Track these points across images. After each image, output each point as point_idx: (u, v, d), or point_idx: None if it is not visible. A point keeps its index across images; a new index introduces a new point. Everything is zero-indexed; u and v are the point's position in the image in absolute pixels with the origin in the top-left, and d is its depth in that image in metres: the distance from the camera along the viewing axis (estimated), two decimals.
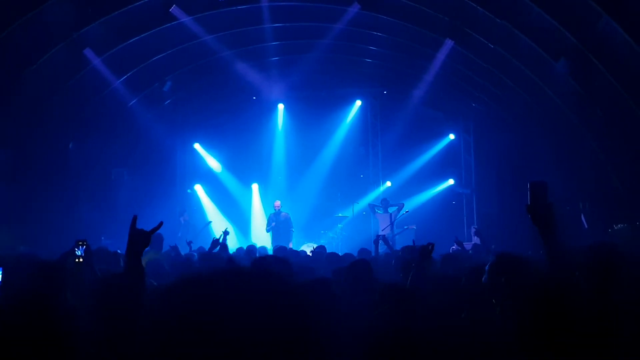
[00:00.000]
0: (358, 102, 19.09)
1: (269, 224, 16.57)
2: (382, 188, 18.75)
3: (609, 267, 3.66)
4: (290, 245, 14.57)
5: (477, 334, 3.55)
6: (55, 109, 13.08)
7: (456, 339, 3.64)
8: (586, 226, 12.76)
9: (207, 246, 11.17)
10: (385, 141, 18.85)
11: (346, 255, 8.64)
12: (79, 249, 4.68)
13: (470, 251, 10.95)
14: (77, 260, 4.64)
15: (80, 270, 4.59)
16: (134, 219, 3.25)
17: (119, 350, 3.14)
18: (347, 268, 5.11)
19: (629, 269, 3.86)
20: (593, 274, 3.65)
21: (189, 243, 10.08)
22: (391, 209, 16.29)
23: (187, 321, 1.19)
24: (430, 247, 5.30)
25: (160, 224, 3.29)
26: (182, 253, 9.13)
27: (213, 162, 19.29)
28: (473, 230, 17.11)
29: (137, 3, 12.40)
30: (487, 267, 3.92)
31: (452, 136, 18.74)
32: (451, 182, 18.54)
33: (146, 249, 3.30)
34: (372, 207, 16.90)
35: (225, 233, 9.87)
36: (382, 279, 5.23)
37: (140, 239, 3.20)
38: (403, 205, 16.29)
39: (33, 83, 11.90)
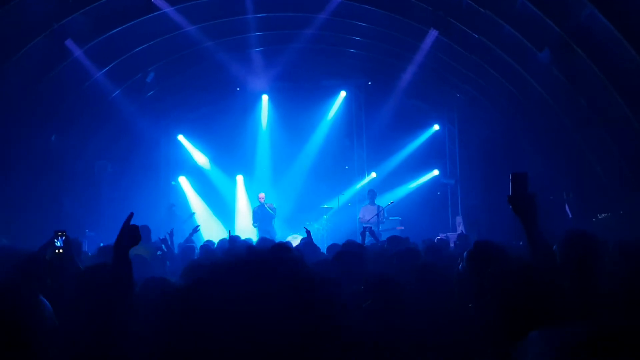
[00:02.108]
0: (343, 93, 19.05)
1: (254, 218, 16.50)
2: (367, 179, 18.76)
3: (584, 255, 3.68)
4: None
5: (459, 323, 3.55)
6: (37, 101, 12.92)
7: (440, 329, 3.64)
8: (570, 216, 12.84)
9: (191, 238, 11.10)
10: (370, 132, 18.84)
11: (333, 245, 8.64)
12: (58, 240, 4.60)
13: (456, 241, 11.00)
14: (56, 251, 4.57)
15: (60, 262, 4.52)
16: (131, 215, 3.22)
17: (104, 341, 3.10)
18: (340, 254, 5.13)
19: (609, 256, 3.88)
20: (568, 262, 3.66)
21: (169, 234, 10.02)
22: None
23: (219, 311, 1.17)
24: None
25: (131, 215, 3.25)
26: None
27: (199, 156, 19.19)
28: (458, 220, 17.21)
29: None
30: (464, 255, 3.92)
31: (436, 127, 18.78)
32: (436, 172, 18.60)
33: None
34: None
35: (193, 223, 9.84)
36: (369, 269, 5.23)
37: (132, 235, 3.18)
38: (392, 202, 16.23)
39: (13, 75, 11.73)
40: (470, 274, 3.69)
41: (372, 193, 16.52)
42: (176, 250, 9.21)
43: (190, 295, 1.25)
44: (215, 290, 1.22)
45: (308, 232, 9.56)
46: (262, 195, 16.62)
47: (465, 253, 3.88)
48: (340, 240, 10.05)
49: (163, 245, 8.41)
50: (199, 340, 1.18)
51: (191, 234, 10.03)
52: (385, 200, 16.39)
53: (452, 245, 10.81)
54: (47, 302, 3.08)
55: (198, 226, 10.15)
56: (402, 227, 15.99)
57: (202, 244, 10.47)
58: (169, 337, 1.25)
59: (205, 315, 1.19)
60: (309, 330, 1.20)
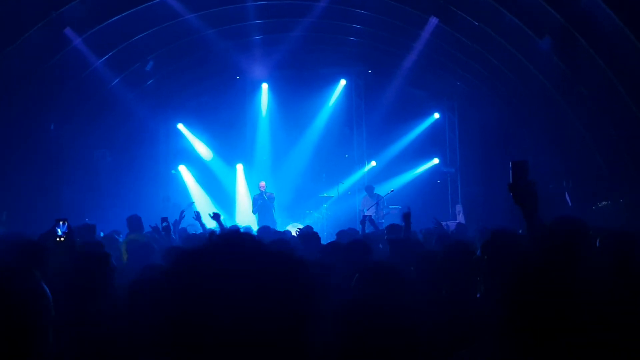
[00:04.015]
0: (342, 82, 19.00)
1: (254, 206, 16.52)
2: (367, 168, 18.75)
3: (568, 241, 3.68)
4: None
5: (459, 310, 3.55)
6: (36, 89, 12.88)
7: (438, 316, 3.64)
8: (570, 203, 12.84)
9: (189, 227, 11.11)
10: (370, 121, 18.81)
11: (341, 232, 8.69)
12: (59, 227, 4.59)
13: (453, 230, 10.99)
14: (57, 239, 4.56)
15: (61, 250, 4.51)
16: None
17: (102, 328, 3.10)
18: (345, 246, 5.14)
19: (601, 243, 3.88)
20: (557, 249, 3.67)
21: (173, 224, 9.98)
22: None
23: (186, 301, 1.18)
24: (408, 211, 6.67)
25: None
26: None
27: (199, 146, 19.16)
28: (458, 209, 17.22)
29: None
30: (482, 243, 3.92)
31: (436, 115, 18.75)
32: (436, 161, 18.60)
33: (126, 231, 3.27)
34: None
35: (217, 217, 9.78)
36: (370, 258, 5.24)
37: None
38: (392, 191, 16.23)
39: (12, 63, 11.69)
40: (482, 263, 3.69)
41: (369, 188, 16.60)
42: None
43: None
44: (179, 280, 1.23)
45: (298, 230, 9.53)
46: (262, 183, 16.63)
47: (480, 242, 3.89)
48: (341, 229, 10.05)
49: (162, 232, 8.37)
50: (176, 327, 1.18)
51: (179, 220, 10.02)
52: (385, 189, 16.39)
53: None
54: (48, 290, 3.09)
55: (183, 211, 10.12)
56: (399, 206, 16.05)
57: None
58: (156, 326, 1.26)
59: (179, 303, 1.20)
60: (286, 310, 1.21)
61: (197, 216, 9.96)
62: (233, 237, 1.27)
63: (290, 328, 1.19)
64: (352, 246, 5.06)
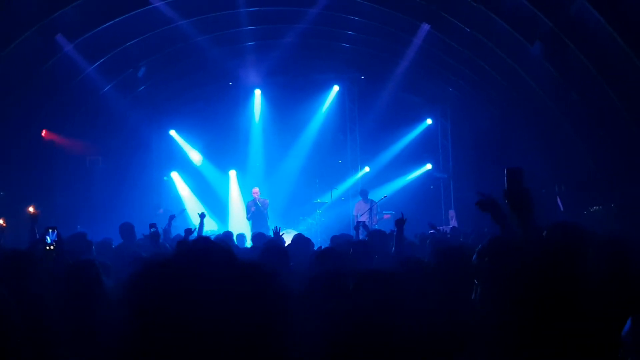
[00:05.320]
0: (336, 88, 19.03)
1: (248, 212, 16.49)
2: (360, 173, 18.75)
3: (567, 246, 3.68)
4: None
5: (454, 316, 3.54)
6: (28, 96, 12.84)
7: (433, 321, 3.62)
8: (562, 209, 12.87)
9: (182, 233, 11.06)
10: (363, 126, 18.83)
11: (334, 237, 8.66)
12: (49, 235, 4.56)
13: (448, 234, 11.01)
14: (47, 247, 4.52)
15: (51, 258, 4.48)
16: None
17: (89, 335, 3.08)
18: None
19: (595, 248, 3.88)
20: (552, 252, 3.67)
21: (163, 229, 9.94)
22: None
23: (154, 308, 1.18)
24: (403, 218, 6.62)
25: None
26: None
27: (191, 151, 19.12)
28: (451, 214, 17.25)
29: None
30: (478, 249, 3.91)
31: (429, 121, 18.81)
32: (429, 166, 18.63)
33: (120, 240, 3.26)
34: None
35: (202, 216, 9.76)
36: (362, 263, 5.22)
37: None
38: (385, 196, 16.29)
39: (3, 70, 11.65)
40: (478, 268, 3.68)
41: (364, 192, 16.60)
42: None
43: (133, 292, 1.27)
44: (148, 290, 1.23)
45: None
46: (256, 190, 16.60)
47: (478, 247, 3.88)
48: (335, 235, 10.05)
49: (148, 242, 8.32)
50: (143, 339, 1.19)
51: (168, 224, 9.98)
52: (379, 194, 16.41)
53: None
54: (10, 299, 3.04)
55: (173, 215, 10.07)
56: (392, 212, 16.05)
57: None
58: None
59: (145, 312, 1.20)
60: (256, 321, 1.20)
61: (202, 216, 9.96)
62: (201, 247, 1.27)
63: (258, 338, 1.18)
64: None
